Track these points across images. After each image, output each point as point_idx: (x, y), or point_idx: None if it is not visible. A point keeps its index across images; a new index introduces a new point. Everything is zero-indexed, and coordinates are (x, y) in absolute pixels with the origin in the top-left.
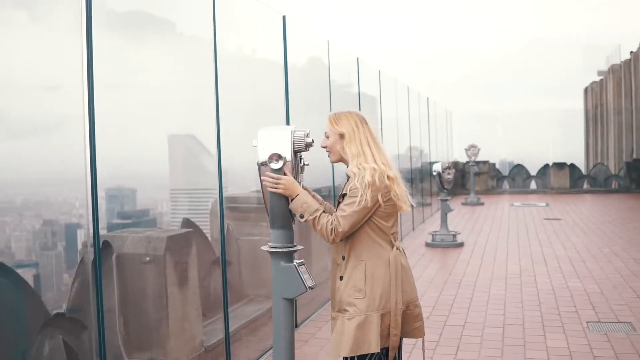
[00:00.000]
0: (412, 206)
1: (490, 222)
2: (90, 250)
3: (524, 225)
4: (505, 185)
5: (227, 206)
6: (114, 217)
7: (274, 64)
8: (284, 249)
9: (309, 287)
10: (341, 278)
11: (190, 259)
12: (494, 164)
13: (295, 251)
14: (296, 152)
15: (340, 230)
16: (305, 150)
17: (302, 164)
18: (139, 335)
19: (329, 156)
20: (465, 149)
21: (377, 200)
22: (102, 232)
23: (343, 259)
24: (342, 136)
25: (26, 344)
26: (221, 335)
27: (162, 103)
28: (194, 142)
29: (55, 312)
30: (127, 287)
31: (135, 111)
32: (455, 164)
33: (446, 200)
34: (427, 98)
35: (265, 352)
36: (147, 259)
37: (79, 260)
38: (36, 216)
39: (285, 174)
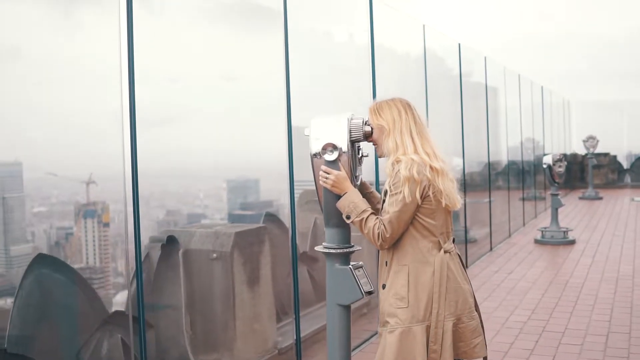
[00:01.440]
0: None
1: (606, 218)
2: (157, 245)
3: None
4: (627, 178)
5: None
6: (235, 208)
7: (386, 53)
8: (339, 250)
9: (366, 293)
10: (384, 287)
11: (262, 256)
12: (614, 157)
13: (351, 252)
14: (353, 142)
15: (387, 236)
16: (364, 140)
17: (360, 155)
18: (206, 335)
19: (376, 150)
20: (583, 141)
21: (417, 196)
22: (223, 222)
23: (386, 264)
24: (383, 129)
25: (82, 341)
26: (304, 333)
27: (280, 94)
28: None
29: (114, 309)
30: (193, 285)
31: (255, 102)
32: (573, 157)
33: (557, 194)
34: (542, 87)
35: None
36: (214, 255)
37: (144, 256)
38: (160, 206)
39: (340, 167)
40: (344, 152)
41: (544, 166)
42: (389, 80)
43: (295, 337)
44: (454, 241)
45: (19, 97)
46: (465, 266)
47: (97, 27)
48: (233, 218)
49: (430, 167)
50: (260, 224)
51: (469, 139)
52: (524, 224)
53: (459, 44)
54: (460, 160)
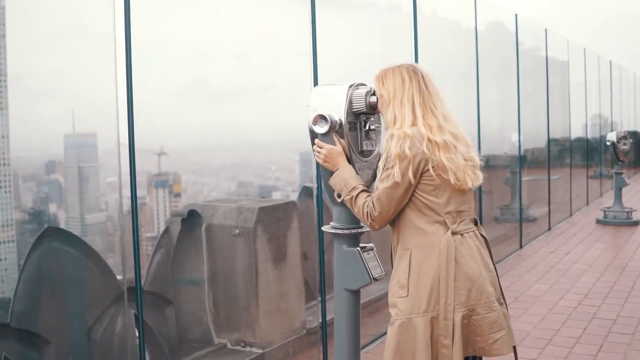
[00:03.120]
0: (477, 183)
1: None
2: (177, 220)
3: None
4: None
5: None
6: (307, 180)
7: (464, 31)
8: (346, 230)
9: (374, 278)
10: None
11: (290, 233)
12: None
13: (360, 233)
14: (357, 114)
15: (375, 214)
16: (370, 111)
17: (368, 127)
18: (229, 313)
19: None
20: None
21: (409, 174)
22: (294, 194)
23: (393, 249)
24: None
25: (94, 317)
26: (331, 315)
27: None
28: None
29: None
30: (216, 262)
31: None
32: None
33: (620, 173)
34: (610, 61)
35: (377, 339)
36: (237, 231)
37: (162, 230)
38: (232, 178)
39: (335, 141)
40: (339, 125)
41: (608, 143)
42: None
43: (320, 319)
44: (477, 223)
45: (94, 69)
46: (490, 251)
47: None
48: (306, 190)
49: (429, 139)
50: (289, 200)
51: (528, 115)
52: (587, 203)
53: (516, 15)
54: (519, 136)
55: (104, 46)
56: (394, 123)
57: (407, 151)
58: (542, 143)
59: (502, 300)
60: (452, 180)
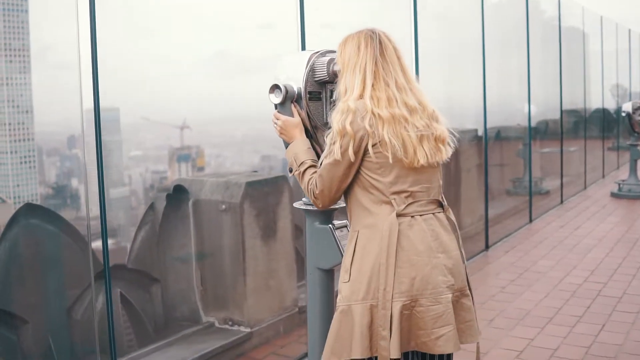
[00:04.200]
0: (435, 161)
1: None
2: (162, 195)
3: None
4: None
5: None
6: None
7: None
8: (311, 206)
9: None
10: None
11: (281, 208)
12: None
13: (333, 210)
14: (322, 83)
15: (317, 192)
16: (333, 82)
17: (334, 98)
18: (216, 291)
19: None
20: None
21: (350, 152)
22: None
23: (348, 230)
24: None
25: (74, 296)
26: None
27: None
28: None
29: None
30: (203, 238)
31: None
32: None
33: (636, 145)
34: (629, 30)
35: None
36: (223, 207)
37: (147, 206)
38: (255, 151)
39: (294, 112)
40: (292, 94)
41: (623, 114)
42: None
43: None
44: (442, 205)
45: (116, 42)
46: (458, 234)
47: None
48: None
49: (373, 113)
50: (279, 174)
51: (541, 86)
52: (603, 176)
53: None
54: (529, 107)
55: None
56: (344, 94)
57: (348, 127)
58: (556, 114)
59: (467, 292)
60: (391, 158)
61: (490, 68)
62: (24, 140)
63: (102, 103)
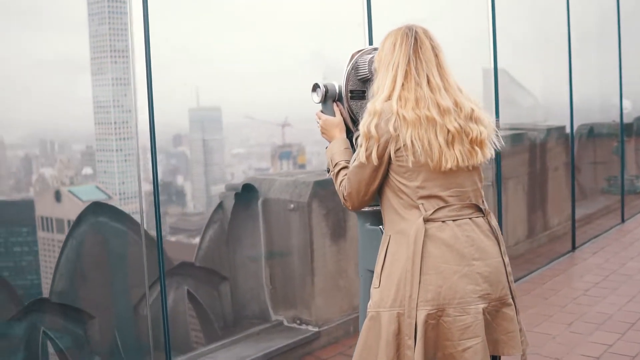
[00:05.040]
0: (464, 166)
1: None
2: (231, 194)
3: None
4: None
5: None
6: None
7: None
8: (367, 208)
9: None
10: None
11: None
12: None
13: None
14: (365, 81)
15: (346, 194)
16: None
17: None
18: (285, 290)
19: None
20: None
21: (374, 156)
22: None
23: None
24: None
25: (141, 293)
26: None
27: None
28: (506, 76)
29: (180, 261)
30: (272, 237)
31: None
32: None
33: None
34: None
35: None
36: (292, 206)
37: (216, 204)
38: None
39: (336, 111)
40: (332, 92)
41: None
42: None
43: None
44: (481, 209)
45: (214, 43)
46: (499, 240)
47: None
48: None
49: (398, 115)
50: None
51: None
52: None
53: None
54: (627, 103)
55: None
56: (376, 94)
57: (373, 130)
58: None
59: (509, 301)
60: (413, 162)
61: (580, 61)
62: (128, 138)
63: (204, 102)
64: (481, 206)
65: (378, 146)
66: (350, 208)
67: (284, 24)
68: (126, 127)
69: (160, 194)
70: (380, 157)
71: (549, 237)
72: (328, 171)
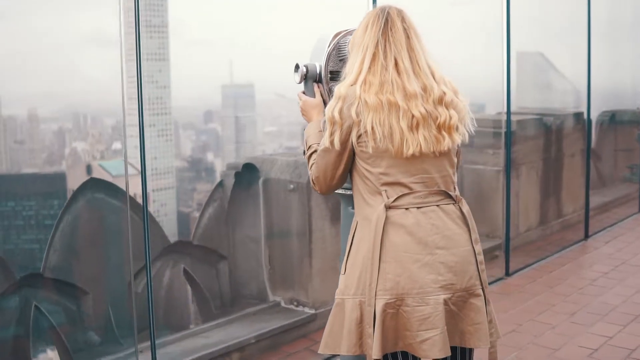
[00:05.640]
0: (428, 151)
1: None
2: (231, 173)
3: None
4: None
5: None
6: None
7: None
8: (348, 191)
9: None
10: None
11: None
12: None
13: None
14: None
15: (313, 178)
16: None
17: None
18: (284, 270)
19: None
20: None
21: (336, 141)
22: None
23: None
24: None
25: (135, 270)
26: None
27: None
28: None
29: (176, 239)
30: (272, 217)
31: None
32: None
33: None
34: None
35: None
36: (292, 186)
37: (216, 183)
38: None
39: (316, 92)
40: (309, 73)
41: None
42: None
43: None
44: (450, 195)
45: (249, 20)
46: (470, 228)
47: None
48: None
49: (360, 100)
50: None
51: None
52: None
53: None
54: None
55: None
56: (346, 77)
57: (337, 115)
58: None
59: (477, 291)
60: (373, 148)
61: (614, 50)
62: (161, 114)
63: (237, 79)
64: (451, 193)
65: (341, 131)
66: (319, 191)
67: (318, 4)
68: (160, 102)
69: (188, 170)
70: (343, 143)
71: (562, 224)
72: (304, 153)
